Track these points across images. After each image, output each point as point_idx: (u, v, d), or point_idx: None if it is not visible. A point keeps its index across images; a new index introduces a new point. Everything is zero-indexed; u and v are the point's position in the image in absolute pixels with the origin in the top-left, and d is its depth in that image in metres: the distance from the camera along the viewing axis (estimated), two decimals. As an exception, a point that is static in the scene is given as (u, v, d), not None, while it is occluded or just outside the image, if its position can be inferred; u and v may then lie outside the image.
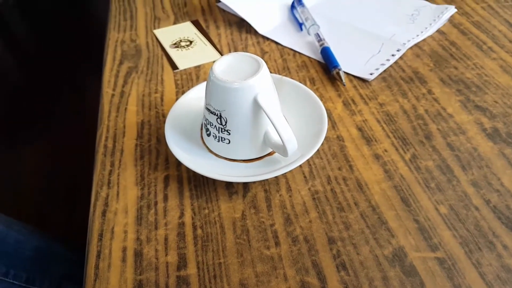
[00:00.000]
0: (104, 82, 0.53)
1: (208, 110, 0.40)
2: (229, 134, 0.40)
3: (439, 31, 0.57)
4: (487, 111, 0.46)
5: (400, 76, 0.51)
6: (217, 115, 0.39)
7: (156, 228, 0.38)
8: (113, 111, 0.50)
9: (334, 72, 0.50)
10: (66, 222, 1.05)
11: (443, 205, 0.38)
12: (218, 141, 0.41)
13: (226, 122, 0.39)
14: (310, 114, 0.43)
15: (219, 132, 0.40)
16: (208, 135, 0.41)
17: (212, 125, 0.40)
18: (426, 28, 0.56)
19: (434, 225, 0.36)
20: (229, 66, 0.39)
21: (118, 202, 0.40)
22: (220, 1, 0.66)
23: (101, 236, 0.38)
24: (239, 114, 0.38)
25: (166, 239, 0.37)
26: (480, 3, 0.62)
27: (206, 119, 0.41)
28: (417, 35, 0.55)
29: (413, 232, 0.36)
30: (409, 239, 0.36)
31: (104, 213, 0.39)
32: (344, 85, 0.50)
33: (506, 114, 0.45)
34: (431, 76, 0.51)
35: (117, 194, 0.41)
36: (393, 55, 0.52)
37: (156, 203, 0.40)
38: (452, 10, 0.58)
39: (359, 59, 0.52)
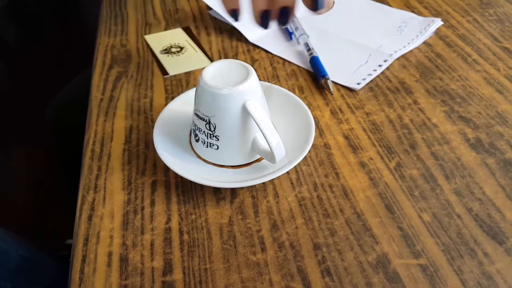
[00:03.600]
0: (93, 86, 0.53)
1: (197, 115, 0.40)
2: (218, 140, 0.40)
3: (425, 43, 0.58)
4: (470, 122, 0.47)
5: (387, 86, 0.52)
6: (206, 121, 0.39)
7: (142, 233, 0.38)
8: (102, 116, 0.50)
9: (322, 81, 0.51)
10: (55, 230, 1.04)
11: (427, 213, 0.38)
12: (207, 147, 0.41)
13: (215, 128, 0.39)
14: (298, 122, 0.44)
15: (207, 138, 0.40)
16: (197, 140, 0.42)
17: (201, 130, 0.40)
18: (413, 39, 0.57)
19: (418, 232, 0.37)
20: (218, 72, 0.40)
21: (105, 207, 0.40)
22: (211, 9, 0.67)
23: (86, 240, 0.37)
24: (228, 120, 0.39)
25: (152, 244, 0.37)
26: (465, 17, 0.63)
27: (195, 125, 0.41)
28: (404, 47, 0.56)
29: (397, 239, 0.37)
30: (392, 246, 0.36)
31: (90, 218, 0.39)
32: (331, 94, 0.51)
33: (489, 125, 0.46)
34: (417, 86, 0.52)
35: (104, 199, 0.41)
36: (380, 65, 0.53)
37: (143, 208, 0.40)
38: (438, 22, 0.59)
39: (347, 69, 0.53)
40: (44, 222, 1.04)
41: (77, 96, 0.83)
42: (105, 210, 0.40)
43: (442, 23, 0.60)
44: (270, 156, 0.39)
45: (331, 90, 0.50)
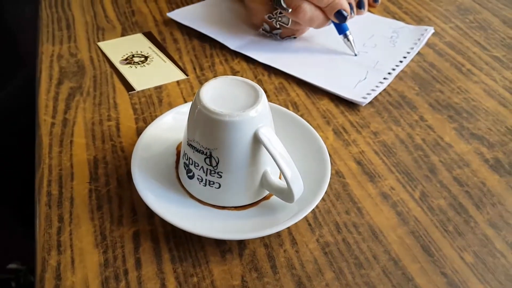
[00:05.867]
0: (40, 108, 0.43)
1: (193, 147, 0.32)
2: (220, 177, 0.32)
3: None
4: (484, 140, 0.43)
5: (388, 101, 0.47)
6: (206, 154, 0.31)
7: (131, 307, 0.29)
8: (55, 145, 0.39)
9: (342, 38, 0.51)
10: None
11: (467, 252, 0.33)
12: (205, 185, 0.33)
13: (217, 163, 0.31)
14: (304, 149, 0.37)
15: (207, 175, 0.32)
16: (191, 177, 0.33)
17: (198, 166, 0.32)
18: (409, 52, 0.52)
19: (464, 278, 0.32)
20: (219, 93, 0.32)
21: (75, 273, 0.30)
22: (171, 11, 0.57)
23: (54, 324, 0.28)
24: (235, 153, 0.31)
25: (146, 322, 0.28)
26: (448, 23, 0.60)
27: (189, 158, 0.33)
28: (401, 62, 0.51)
29: (443, 289, 0.31)
30: (441, 298, 0.30)
31: (56, 290, 0.29)
32: (355, 54, 0.52)
33: (503, 143, 0.42)
34: (419, 100, 0.47)
35: (72, 262, 0.31)
36: (381, 82, 0.48)
37: (126, 272, 0.30)
38: (430, 31, 0.55)
39: (346, 83, 0.47)
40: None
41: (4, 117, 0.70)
42: (76, 278, 0.30)
43: (433, 31, 0.57)
44: (286, 194, 0.32)
45: (354, 49, 0.51)
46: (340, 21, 0.49)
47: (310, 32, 0.55)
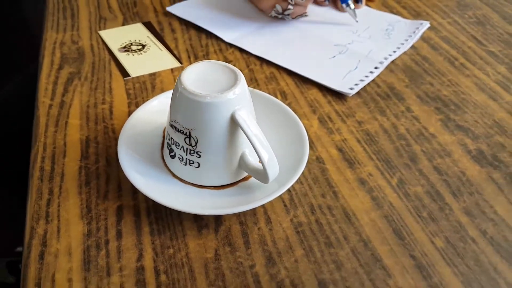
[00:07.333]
0: (40, 90, 0.45)
1: (174, 128, 0.33)
2: (199, 156, 0.33)
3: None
4: (469, 132, 0.43)
5: (376, 92, 0.47)
6: (185, 134, 0.33)
7: (108, 274, 0.30)
8: (51, 125, 0.41)
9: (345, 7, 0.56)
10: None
11: (439, 237, 0.34)
12: (185, 164, 0.34)
13: (196, 143, 0.33)
14: (287, 134, 0.38)
15: (186, 154, 0.34)
16: (173, 157, 0.35)
17: (179, 145, 0.34)
18: (402, 44, 0.53)
19: (432, 261, 0.33)
20: (200, 76, 0.33)
21: (60, 241, 0.32)
22: (172, 5, 0.59)
23: (38, 285, 0.30)
24: (213, 133, 0.32)
25: (122, 288, 0.30)
26: (446, 18, 0.60)
27: (171, 139, 0.34)
28: (394, 52, 0.52)
29: (411, 271, 0.32)
30: (407, 278, 0.31)
31: (42, 255, 0.31)
32: (356, 21, 0.56)
33: (488, 135, 0.43)
34: (408, 92, 0.48)
35: (58, 231, 0.33)
36: (371, 72, 0.49)
37: (107, 242, 0.32)
38: (426, 25, 0.56)
39: (336, 74, 0.48)
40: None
41: (14, 104, 0.73)
42: (60, 246, 0.32)
43: (429, 25, 0.57)
44: (262, 175, 0.33)
45: (356, 17, 0.56)
46: None
47: (306, 22, 0.56)
